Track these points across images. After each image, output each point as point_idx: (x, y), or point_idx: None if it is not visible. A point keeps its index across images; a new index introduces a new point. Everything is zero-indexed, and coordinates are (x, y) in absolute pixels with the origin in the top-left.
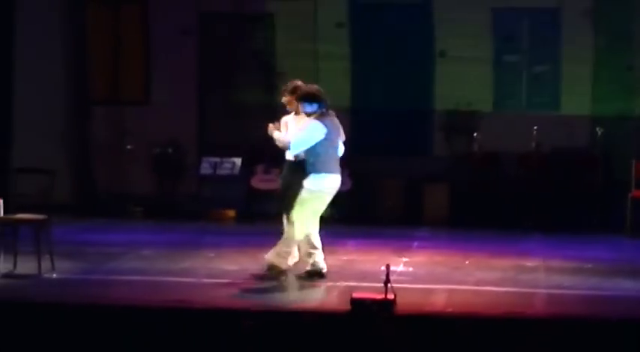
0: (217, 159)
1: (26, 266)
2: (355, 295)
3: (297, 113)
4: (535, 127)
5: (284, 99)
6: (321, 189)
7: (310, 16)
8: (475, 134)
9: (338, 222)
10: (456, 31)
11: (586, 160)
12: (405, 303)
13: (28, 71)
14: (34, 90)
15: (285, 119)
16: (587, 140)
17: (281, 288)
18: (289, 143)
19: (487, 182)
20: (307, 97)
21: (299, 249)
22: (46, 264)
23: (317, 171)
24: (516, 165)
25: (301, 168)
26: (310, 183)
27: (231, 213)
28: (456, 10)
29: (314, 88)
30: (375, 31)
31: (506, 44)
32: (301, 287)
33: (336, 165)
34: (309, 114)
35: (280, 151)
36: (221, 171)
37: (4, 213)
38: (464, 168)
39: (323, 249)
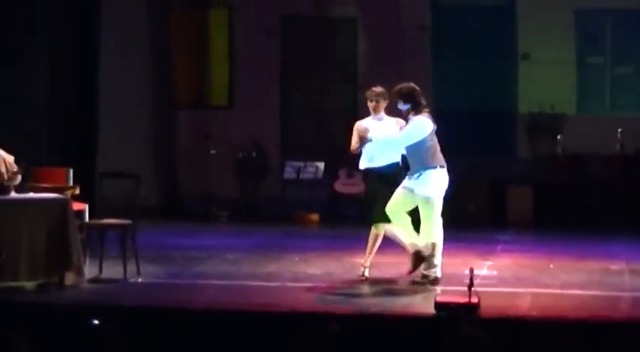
0: (301, 164)
1: (112, 270)
2: (439, 299)
3: (376, 115)
4: (620, 129)
5: (372, 104)
6: (442, 185)
7: (393, 19)
8: (559, 136)
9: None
10: (539, 32)
11: None
12: (489, 307)
13: (113, 76)
14: (119, 95)
15: (361, 124)
16: None
17: (366, 292)
18: (396, 139)
19: (571, 184)
20: (405, 95)
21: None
22: (131, 268)
23: (432, 165)
24: (600, 167)
25: (385, 175)
26: (428, 182)
27: (315, 216)
28: (539, 12)
29: (411, 85)
30: (458, 34)
31: (589, 45)
32: (386, 292)
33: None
34: (408, 112)
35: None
36: (304, 176)
37: (90, 217)
38: (547, 170)
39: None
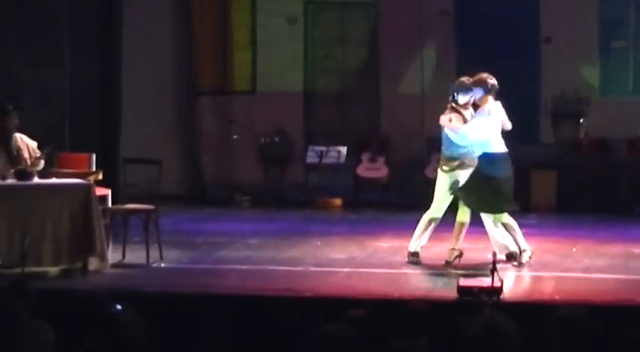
0: (323, 148)
1: (135, 255)
2: (462, 283)
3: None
4: None
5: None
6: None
7: (415, 3)
8: (582, 120)
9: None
10: (561, 16)
11: None
12: (512, 291)
13: (136, 61)
14: (141, 80)
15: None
16: None
17: (389, 277)
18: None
19: (595, 168)
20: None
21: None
22: (154, 253)
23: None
24: (624, 151)
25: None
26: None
27: (338, 201)
28: None
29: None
30: (479, 18)
31: (612, 29)
32: (409, 276)
33: None
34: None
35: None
36: (327, 160)
37: (113, 203)
38: (571, 155)
39: (431, 238)
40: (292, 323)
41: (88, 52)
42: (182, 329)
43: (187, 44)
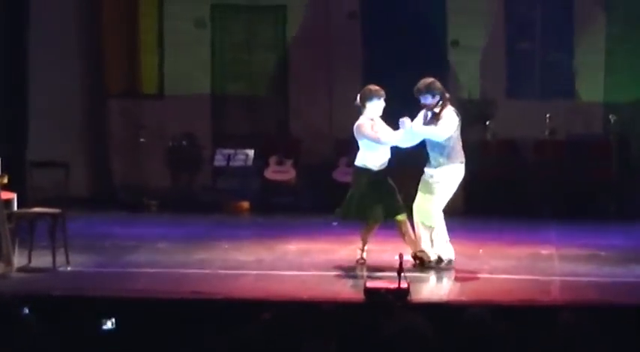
0: (231, 151)
1: (41, 260)
2: (369, 285)
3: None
4: (548, 115)
5: (381, 104)
6: (456, 178)
7: (322, 6)
8: (488, 122)
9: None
10: (468, 18)
11: (601, 147)
12: (419, 292)
13: (43, 64)
14: (49, 83)
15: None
16: (602, 127)
17: (298, 279)
18: (435, 133)
19: (502, 170)
20: (428, 89)
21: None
22: (60, 257)
23: (452, 160)
24: (532, 152)
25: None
26: (446, 173)
27: (246, 204)
28: None
29: (431, 79)
30: (387, 21)
31: (519, 31)
32: (318, 278)
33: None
34: (428, 106)
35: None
36: (234, 163)
37: (20, 207)
38: (478, 156)
39: (339, 241)
40: (203, 325)
41: None
42: (87, 333)
43: (96, 46)
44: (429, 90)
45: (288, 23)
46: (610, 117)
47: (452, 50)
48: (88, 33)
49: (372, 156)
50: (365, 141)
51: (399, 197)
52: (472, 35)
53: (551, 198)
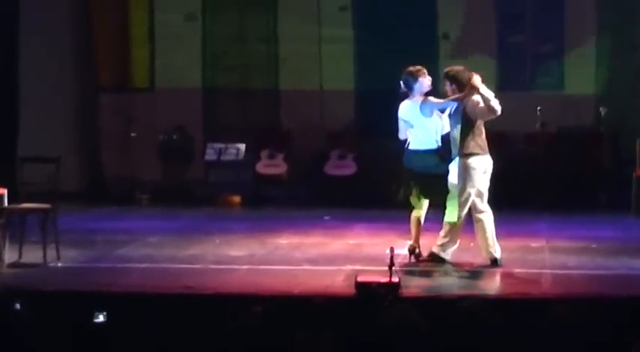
0: (222, 145)
1: (32, 255)
2: (360, 278)
3: None
4: (539, 107)
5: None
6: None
7: None
8: None
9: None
10: (459, 12)
11: (591, 139)
12: (410, 286)
13: (34, 58)
14: (40, 78)
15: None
16: (592, 119)
17: (290, 274)
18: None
19: (493, 162)
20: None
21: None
22: (51, 252)
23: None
24: (523, 144)
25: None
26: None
27: (237, 198)
28: None
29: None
30: (378, 14)
31: (510, 24)
32: (309, 272)
33: None
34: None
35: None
36: (226, 157)
37: (11, 202)
38: None
39: (331, 234)
40: (195, 320)
41: None
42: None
43: (87, 40)
44: (449, 78)
45: (279, 16)
46: (600, 109)
47: (442, 43)
48: (79, 27)
49: (429, 135)
50: (422, 121)
51: None
52: (462, 27)
53: (542, 191)
